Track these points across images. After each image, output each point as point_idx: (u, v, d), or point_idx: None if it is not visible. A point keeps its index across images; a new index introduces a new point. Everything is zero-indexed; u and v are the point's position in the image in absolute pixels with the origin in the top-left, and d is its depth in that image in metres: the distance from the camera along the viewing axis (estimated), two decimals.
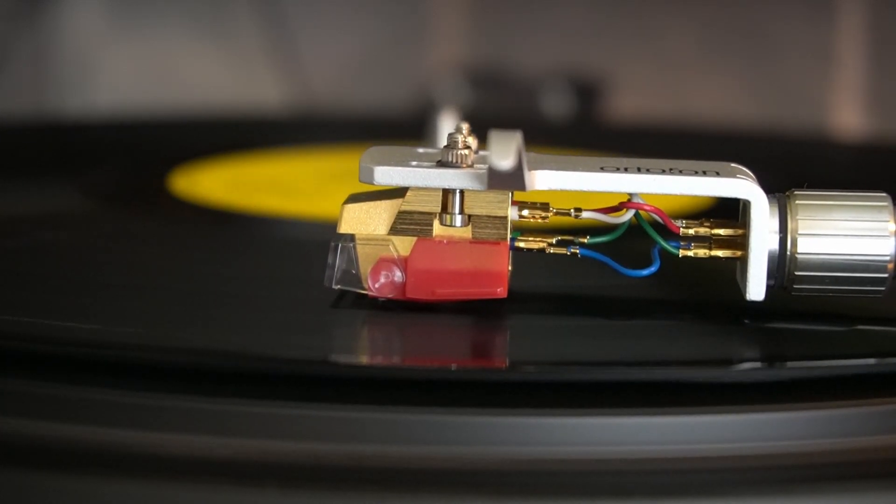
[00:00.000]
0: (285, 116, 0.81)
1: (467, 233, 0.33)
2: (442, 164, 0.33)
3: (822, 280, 0.33)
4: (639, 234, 0.33)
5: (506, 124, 0.33)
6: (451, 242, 0.33)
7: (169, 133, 0.67)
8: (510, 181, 0.32)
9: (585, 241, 0.34)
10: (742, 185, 0.33)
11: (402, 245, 0.33)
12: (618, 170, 0.33)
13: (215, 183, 0.52)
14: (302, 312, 0.34)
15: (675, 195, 0.33)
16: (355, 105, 0.83)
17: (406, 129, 0.56)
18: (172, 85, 0.85)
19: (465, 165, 0.33)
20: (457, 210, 0.33)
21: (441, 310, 0.34)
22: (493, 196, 0.33)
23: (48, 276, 0.38)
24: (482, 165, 0.33)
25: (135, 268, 0.39)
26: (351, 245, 0.34)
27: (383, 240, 0.34)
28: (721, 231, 0.34)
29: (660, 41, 0.84)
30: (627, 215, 0.33)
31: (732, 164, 0.34)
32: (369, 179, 0.33)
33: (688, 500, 0.27)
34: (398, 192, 0.34)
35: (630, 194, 0.33)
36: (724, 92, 0.82)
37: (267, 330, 0.33)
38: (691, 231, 0.34)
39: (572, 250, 0.34)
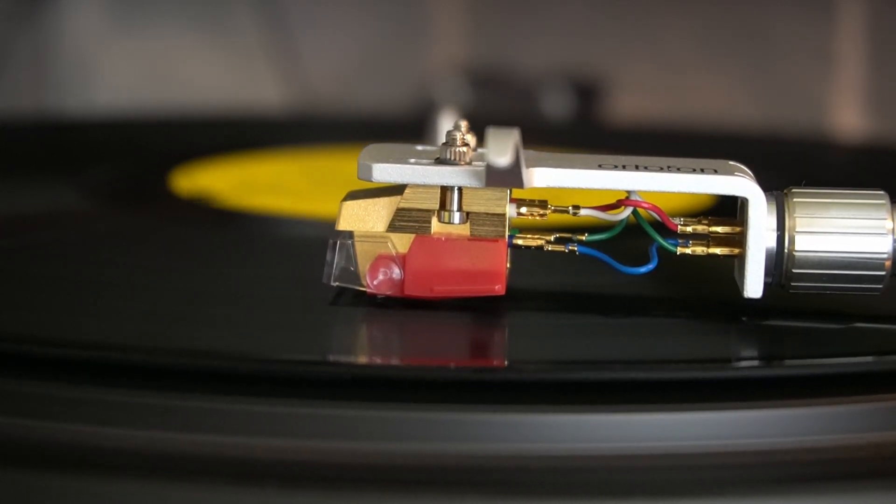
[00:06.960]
0: (285, 116, 0.81)
1: (465, 230, 0.33)
2: (440, 161, 0.33)
3: (819, 278, 0.33)
4: (637, 232, 0.33)
5: (505, 124, 0.33)
6: (450, 240, 0.33)
7: (169, 133, 0.67)
8: (508, 178, 0.32)
9: (583, 238, 0.34)
10: (739, 183, 0.33)
11: (401, 242, 0.33)
12: (616, 167, 0.33)
13: (215, 182, 0.52)
14: (300, 310, 0.34)
15: (674, 193, 0.33)
16: (355, 105, 0.83)
17: (406, 129, 0.56)
18: (173, 85, 0.85)
19: (463, 163, 0.33)
20: (455, 207, 0.33)
21: (439, 307, 0.34)
22: (492, 193, 0.33)
23: (48, 276, 0.38)
24: (480, 163, 0.33)
25: (135, 268, 0.39)
26: (349, 242, 0.34)
27: (381, 237, 0.34)
28: (719, 229, 0.34)
29: (660, 41, 0.84)
30: (625, 213, 0.33)
31: (731, 162, 0.34)
32: (368, 176, 0.33)
33: (686, 497, 0.27)
34: (397, 190, 0.34)
35: (628, 192, 0.33)
36: (724, 92, 0.82)
37: (266, 328, 0.33)
38: (689, 228, 0.34)
39: (570, 248, 0.34)
